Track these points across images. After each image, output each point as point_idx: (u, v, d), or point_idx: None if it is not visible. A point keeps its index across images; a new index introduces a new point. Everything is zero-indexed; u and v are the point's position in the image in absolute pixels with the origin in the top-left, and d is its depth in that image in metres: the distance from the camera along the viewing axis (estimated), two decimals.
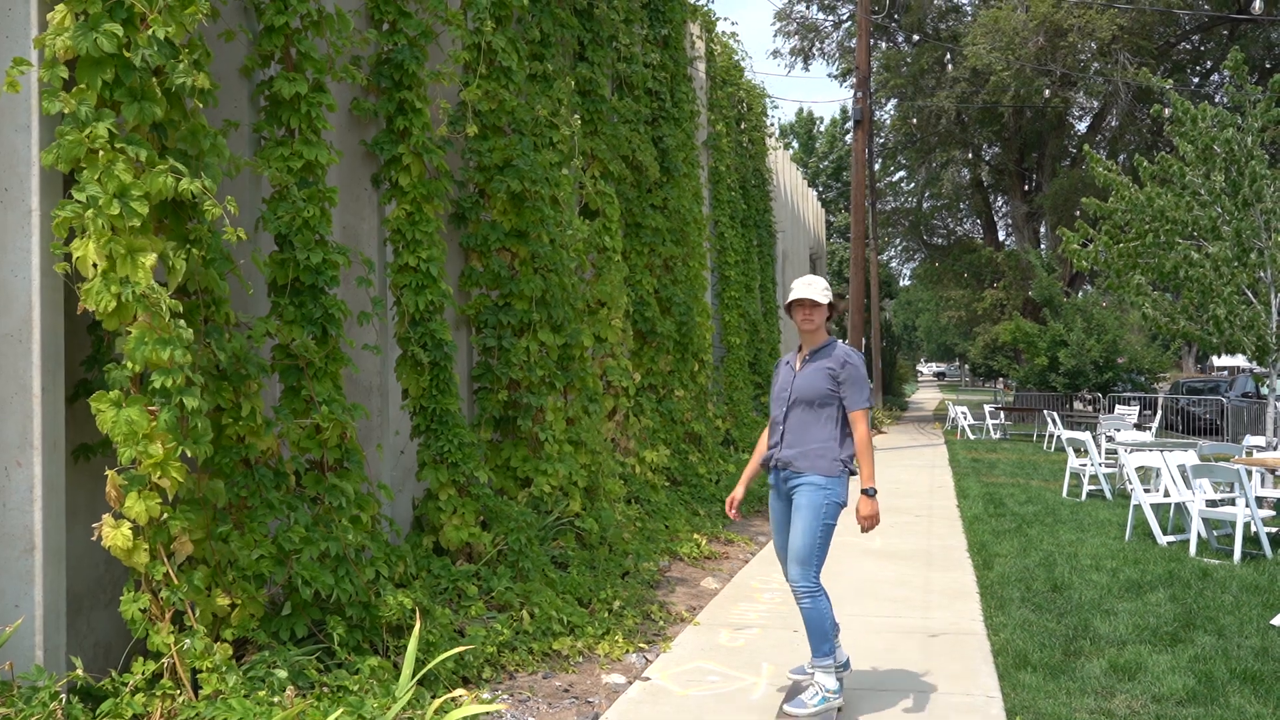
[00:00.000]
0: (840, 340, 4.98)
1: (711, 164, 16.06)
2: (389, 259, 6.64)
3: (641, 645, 6.09)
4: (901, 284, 61.95)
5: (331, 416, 5.13)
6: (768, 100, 21.13)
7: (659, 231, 11.79)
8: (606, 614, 6.48)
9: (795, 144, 57.94)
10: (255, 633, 4.55)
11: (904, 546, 9.44)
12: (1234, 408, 23.17)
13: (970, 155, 39.73)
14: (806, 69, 61.26)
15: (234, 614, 4.55)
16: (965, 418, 25.34)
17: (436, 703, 3.99)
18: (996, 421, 25.26)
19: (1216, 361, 64.53)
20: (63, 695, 3.72)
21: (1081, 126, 38.34)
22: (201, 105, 4.54)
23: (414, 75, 6.43)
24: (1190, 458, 10.18)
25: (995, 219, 43.90)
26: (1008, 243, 43.48)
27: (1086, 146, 17.23)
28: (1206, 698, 5.11)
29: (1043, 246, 38.67)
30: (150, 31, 4.16)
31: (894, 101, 38.35)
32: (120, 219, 3.94)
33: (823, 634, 4.82)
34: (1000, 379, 46.42)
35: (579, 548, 7.56)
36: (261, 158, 5.25)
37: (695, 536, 9.25)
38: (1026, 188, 38.97)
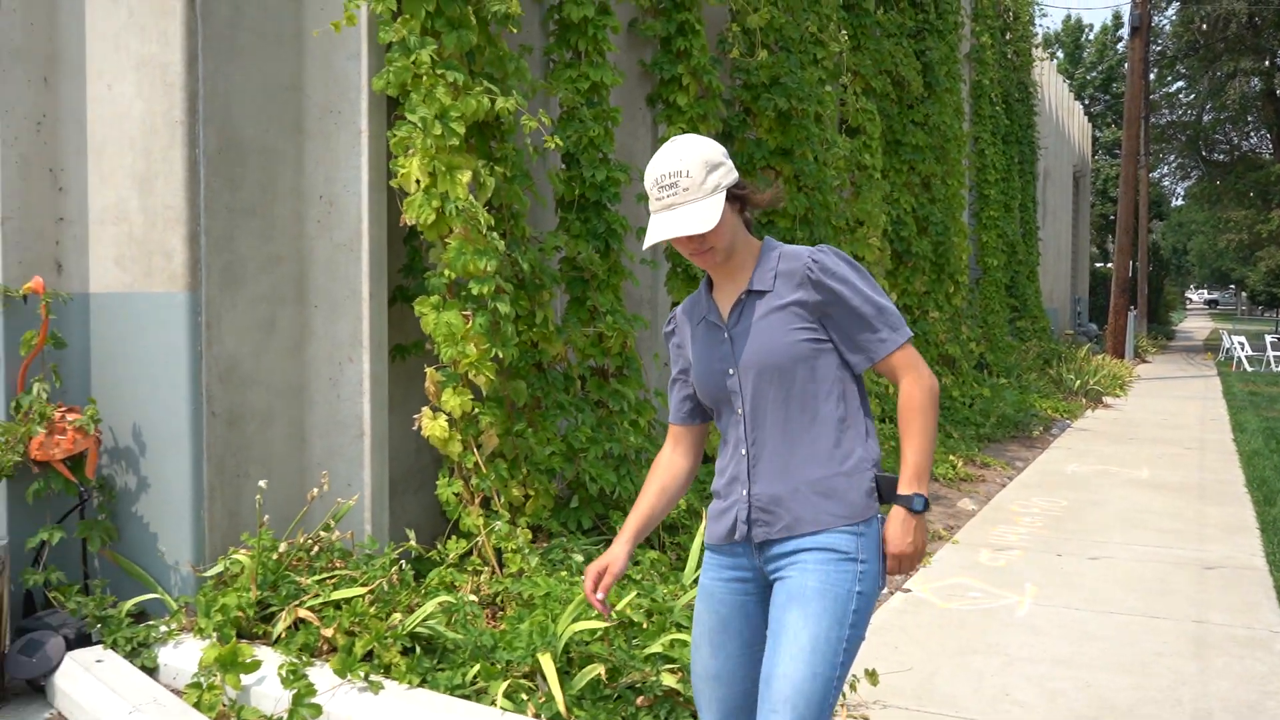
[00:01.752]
0: (776, 241, 2.37)
1: (974, 78, 15.47)
2: None
3: None
4: (1174, 204, 57.66)
5: (615, 326, 5.46)
6: (1035, 8, 20.03)
7: (919, 149, 11.55)
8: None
9: (1060, 54, 54.46)
10: (548, 521, 4.96)
11: (1173, 479, 9.06)
12: None
13: (1265, 63, 36.19)
14: None
15: (528, 504, 4.98)
16: (1243, 348, 23.59)
17: None
18: (1279, 353, 23.39)
19: None
20: (401, 562, 4.23)
21: None
22: (502, 31, 4.86)
23: None
24: None
25: None
26: None
27: None
28: None
29: None
30: None
31: (1175, 5, 35.37)
32: (441, 138, 4.32)
33: None
34: None
35: None
36: (552, 79, 5.56)
37: (950, 458, 9.20)
38: None
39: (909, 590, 5.61)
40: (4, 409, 4.22)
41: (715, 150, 2.23)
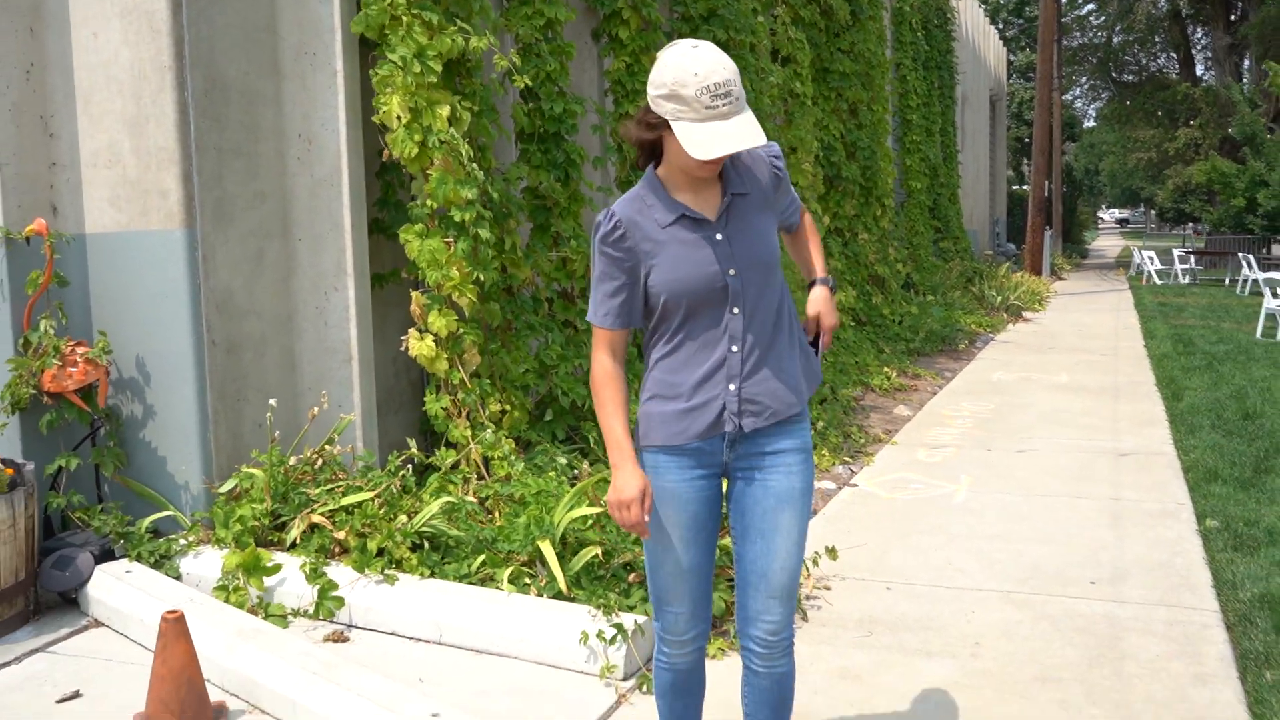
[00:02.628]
0: None
1: (895, 4, 15.86)
2: (609, 108, 7.18)
3: (846, 459, 6.71)
4: (1085, 125, 59.01)
5: (577, 250, 5.80)
6: None
7: (846, 76, 11.95)
8: (812, 431, 7.11)
9: None
10: (526, 433, 5.34)
11: (1090, 382, 9.71)
12: None
13: None
14: None
15: (505, 418, 5.34)
16: (1152, 262, 24.64)
17: None
18: (1185, 266, 24.48)
19: None
20: (407, 468, 4.58)
21: None
22: None
23: None
24: None
25: (1193, 53, 41.20)
26: (1206, 78, 40.86)
27: None
28: None
29: (1245, 81, 36.23)
30: None
31: None
32: (421, 76, 4.60)
33: None
34: (1191, 223, 44.29)
35: None
36: (509, 17, 5.82)
37: (885, 370, 9.75)
38: (1231, 18, 36.35)
39: (855, 485, 6.11)
40: (12, 346, 4.46)
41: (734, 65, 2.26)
